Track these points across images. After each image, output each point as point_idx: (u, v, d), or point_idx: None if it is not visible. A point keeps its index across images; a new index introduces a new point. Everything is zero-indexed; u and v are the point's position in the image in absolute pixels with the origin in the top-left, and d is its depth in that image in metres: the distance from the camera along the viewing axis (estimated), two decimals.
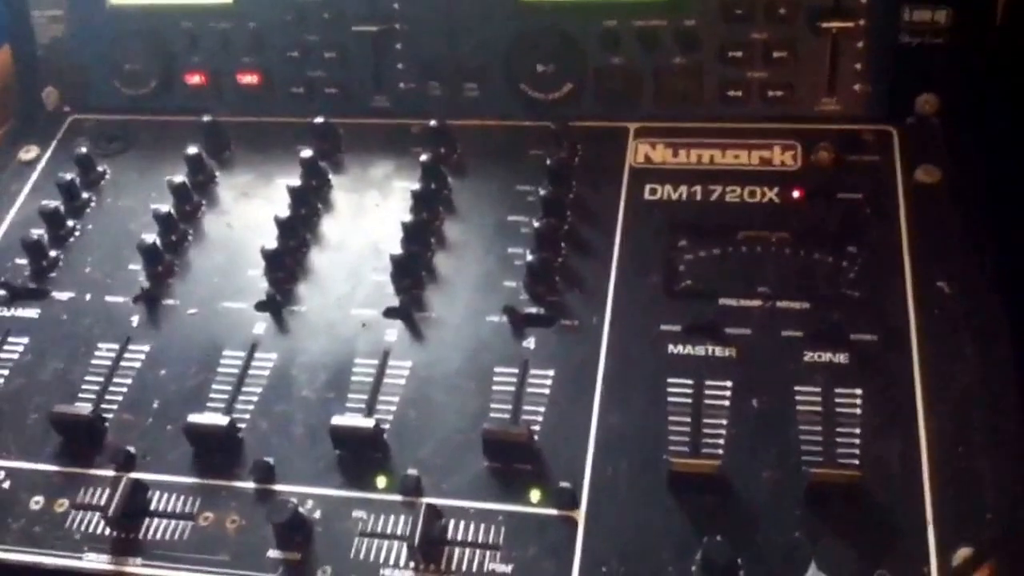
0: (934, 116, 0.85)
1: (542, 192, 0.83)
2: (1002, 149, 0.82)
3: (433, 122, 0.90)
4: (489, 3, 0.92)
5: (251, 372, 0.77)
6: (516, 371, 0.74)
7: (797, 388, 0.71)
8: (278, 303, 0.81)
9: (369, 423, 0.70)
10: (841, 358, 0.72)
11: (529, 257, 0.80)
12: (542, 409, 0.72)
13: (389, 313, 0.79)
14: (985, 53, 0.84)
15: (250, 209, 0.89)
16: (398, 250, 0.82)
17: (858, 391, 0.70)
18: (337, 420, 0.70)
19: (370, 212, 0.88)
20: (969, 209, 0.79)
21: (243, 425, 0.73)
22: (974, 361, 0.70)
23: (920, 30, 0.84)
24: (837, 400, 0.70)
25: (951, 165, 0.82)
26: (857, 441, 0.67)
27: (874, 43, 0.85)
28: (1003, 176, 0.81)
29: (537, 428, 0.71)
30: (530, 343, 0.76)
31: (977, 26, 0.84)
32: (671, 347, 0.75)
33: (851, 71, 0.86)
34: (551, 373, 0.74)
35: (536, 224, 0.81)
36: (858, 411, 0.69)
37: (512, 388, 0.73)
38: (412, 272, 0.81)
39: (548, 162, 0.85)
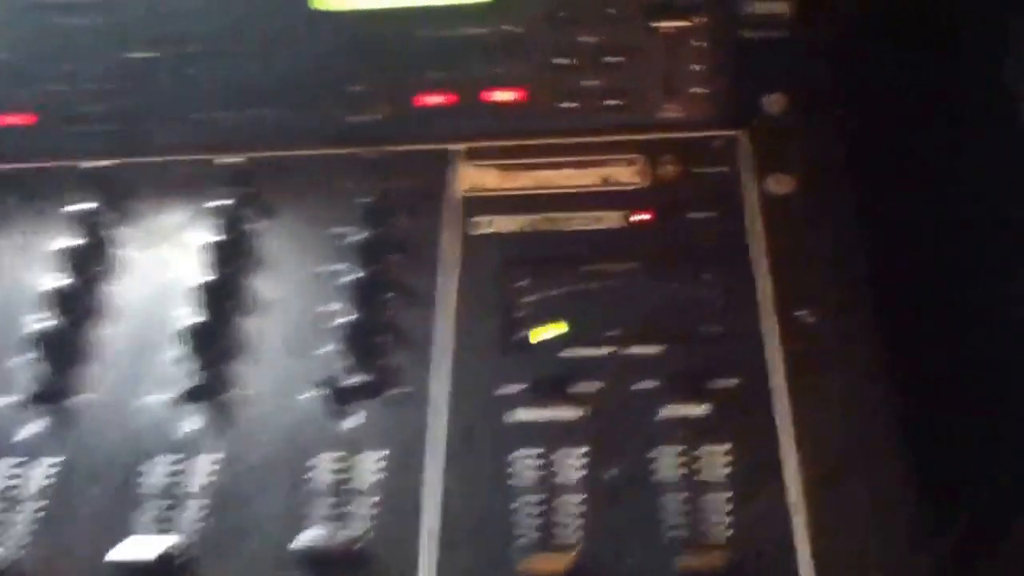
0: (783, 117, 0.78)
1: (358, 237, 0.73)
2: (858, 149, 0.76)
3: (231, 158, 0.78)
4: (286, 16, 0.80)
5: (22, 489, 0.65)
6: (340, 457, 0.65)
7: (655, 451, 0.63)
8: (52, 396, 0.68)
9: (154, 554, 0.59)
10: (701, 410, 0.64)
11: (347, 317, 0.69)
12: (374, 499, 0.63)
13: (189, 396, 0.68)
14: (832, 44, 0.77)
15: (15, 280, 0.76)
16: (197, 318, 0.70)
17: (722, 448, 0.63)
18: (114, 554, 0.59)
19: (162, 273, 0.75)
20: (827, 221, 0.73)
21: (6, 565, 0.62)
22: (844, 404, 0.64)
23: (761, 23, 0.77)
24: (700, 462, 0.62)
25: (804, 171, 0.75)
26: (726, 510, 0.60)
27: (714, 40, 0.77)
28: (861, 179, 0.75)
29: (368, 528, 0.61)
30: (354, 420, 0.66)
31: (822, 16, 0.77)
32: (514, 412, 0.66)
33: (691, 72, 0.78)
34: (381, 456, 0.64)
35: (352, 277, 0.71)
36: (724, 472, 0.62)
37: (335, 480, 0.64)
38: (214, 343, 0.70)
39: (363, 200, 0.75)
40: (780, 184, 0.74)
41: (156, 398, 0.69)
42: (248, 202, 0.78)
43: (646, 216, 0.74)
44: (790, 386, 0.65)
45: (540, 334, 0.67)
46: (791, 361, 0.66)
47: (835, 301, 0.68)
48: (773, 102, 0.78)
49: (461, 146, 0.80)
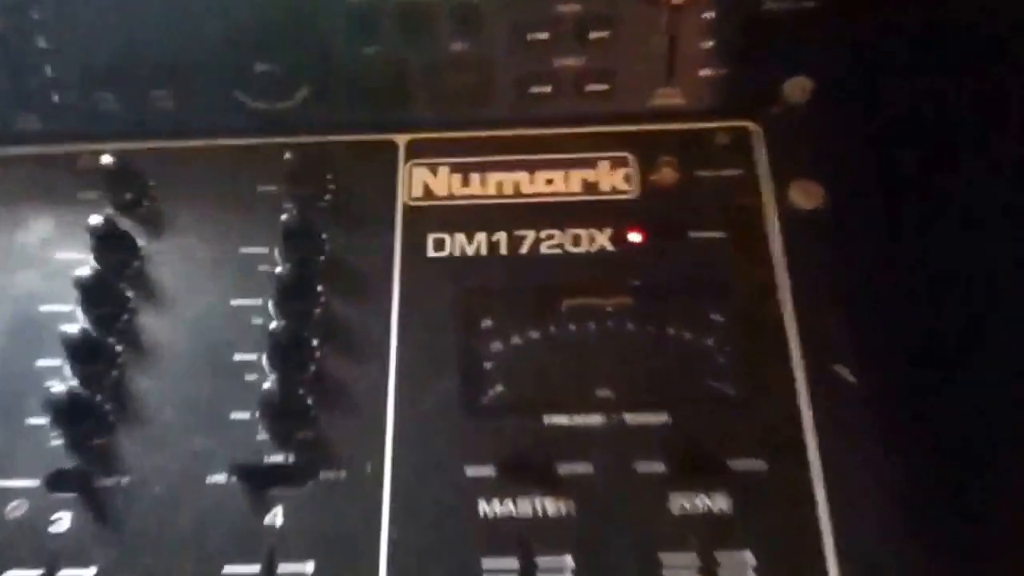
0: (807, 105, 0.63)
1: (278, 269, 0.57)
2: (901, 146, 0.61)
3: (107, 158, 0.61)
4: None
5: None
6: (258, 570, 0.50)
7: (663, 558, 0.49)
8: None
9: None
10: (720, 503, 0.51)
11: (265, 373, 0.54)
12: None
13: (56, 483, 0.52)
14: (867, 19, 0.62)
15: None
16: (65, 376, 0.54)
17: (747, 556, 0.49)
18: None
19: (19, 310, 0.58)
20: (868, 243, 0.59)
21: None
22: (896, 489, 0.51)
23: None
24: (720, 572, 0.49)
25: (836, 177, 0.60)
26: None
27: (725, 12, 0.61)
28: (907, 185, 0.60)
29: None
30: (275, 516, 0.51)
31: None
32: (483, 505, 0.51)
33: (696, 51, 0.62)
34: (308, 570, 0.50)
35: (272, 321, 0.55)
36: None
37: None
38: (90, 411, 0.54)
39: (283, 217, 0.58)
40: (807, 195, 0.60)
41: (10, 485, 0.53)
42: (129, 211, 0.61)
43: (639, 236, 0.60)
44: (829, 471, 0.51)
45: None
46: (828, 434, 0.52)
47: (883, 352, 0.54)
48: (795, 87, 0.62)
49: (403, 138, 0.64)
